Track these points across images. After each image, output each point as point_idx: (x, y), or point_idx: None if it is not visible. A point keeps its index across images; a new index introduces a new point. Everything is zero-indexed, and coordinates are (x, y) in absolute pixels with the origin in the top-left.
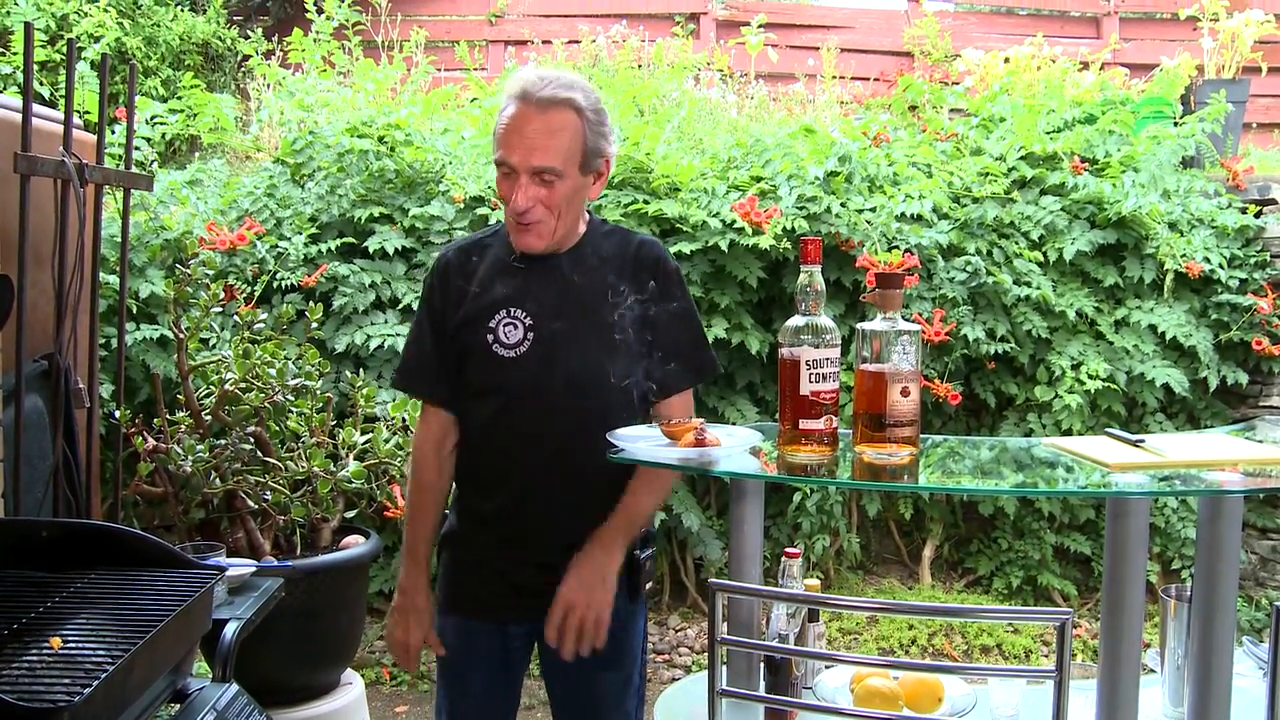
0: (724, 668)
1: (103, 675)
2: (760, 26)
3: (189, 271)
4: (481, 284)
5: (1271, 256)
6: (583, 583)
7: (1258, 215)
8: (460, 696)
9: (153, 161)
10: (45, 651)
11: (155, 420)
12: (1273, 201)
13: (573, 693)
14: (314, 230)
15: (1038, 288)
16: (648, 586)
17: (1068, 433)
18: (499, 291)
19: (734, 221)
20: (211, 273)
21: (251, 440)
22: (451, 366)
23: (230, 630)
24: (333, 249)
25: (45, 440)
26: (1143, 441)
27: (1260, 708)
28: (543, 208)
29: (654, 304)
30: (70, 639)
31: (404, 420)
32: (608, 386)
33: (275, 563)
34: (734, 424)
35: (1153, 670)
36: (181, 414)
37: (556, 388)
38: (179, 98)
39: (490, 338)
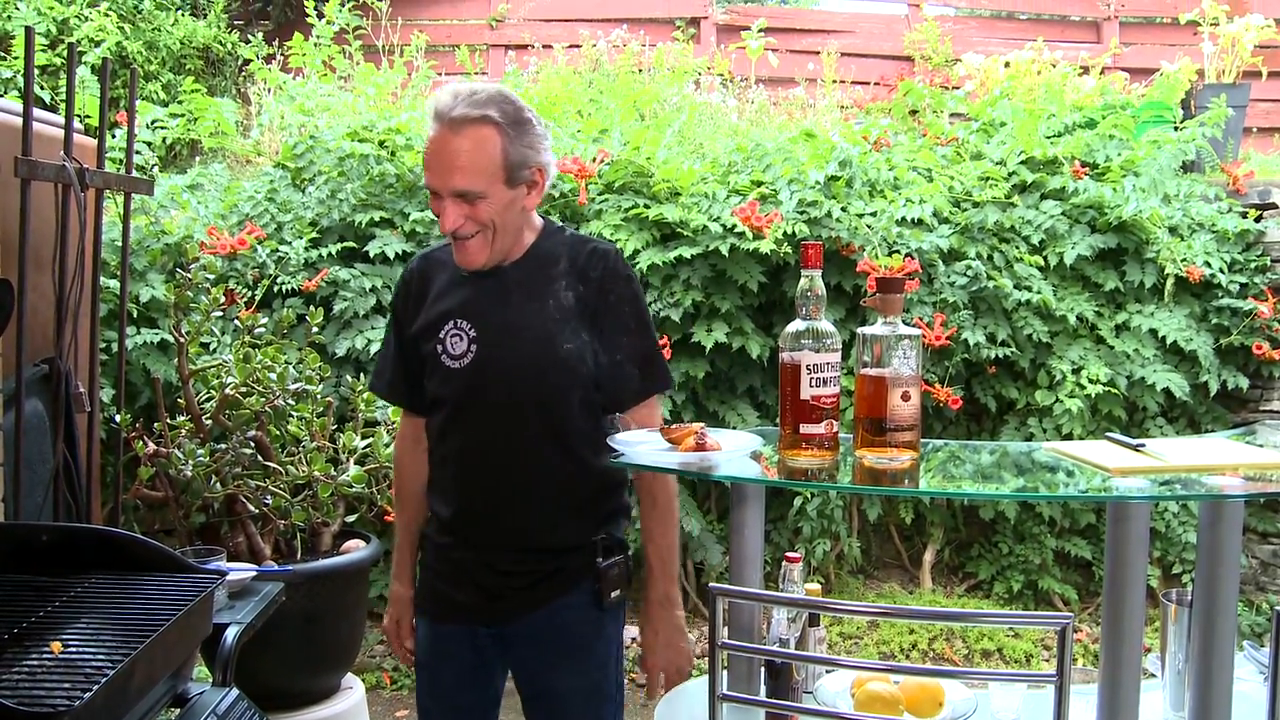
0: (725, 672)
1: (103, 680)
2: (760, 31)
3: (189, 276)
4: (436, 295)
5: (1272, 261)
6: (667, 644)
7: (1258, 220)
8: (433, 698)
9: (153, 166)
10: (45, 656)
11: (156, 424)
12: (1273, 206)
13: (539, 697)
14: (314, 234)
15: (1038, 292)
16: (614, 594)
17: (1068, 437)
18: (448, 303)
19: (735, 226)
20: (212, 277)
21: (252, 444)
22: (414, 371)
23: (231, 635)
24: (333, 253)
25: (46, 444)
26: (1143, 446)
27: (1261, 712)
28: (472, 224)
29: (603, 316)
30: (70, 643)
31: None
32: (552, 396)
33: (276, 567)
34: (734, 428)
35: (1153, 675)
36: (182, 418)
37: (499, 398)
38: (179, 102)
39: (439, 348)
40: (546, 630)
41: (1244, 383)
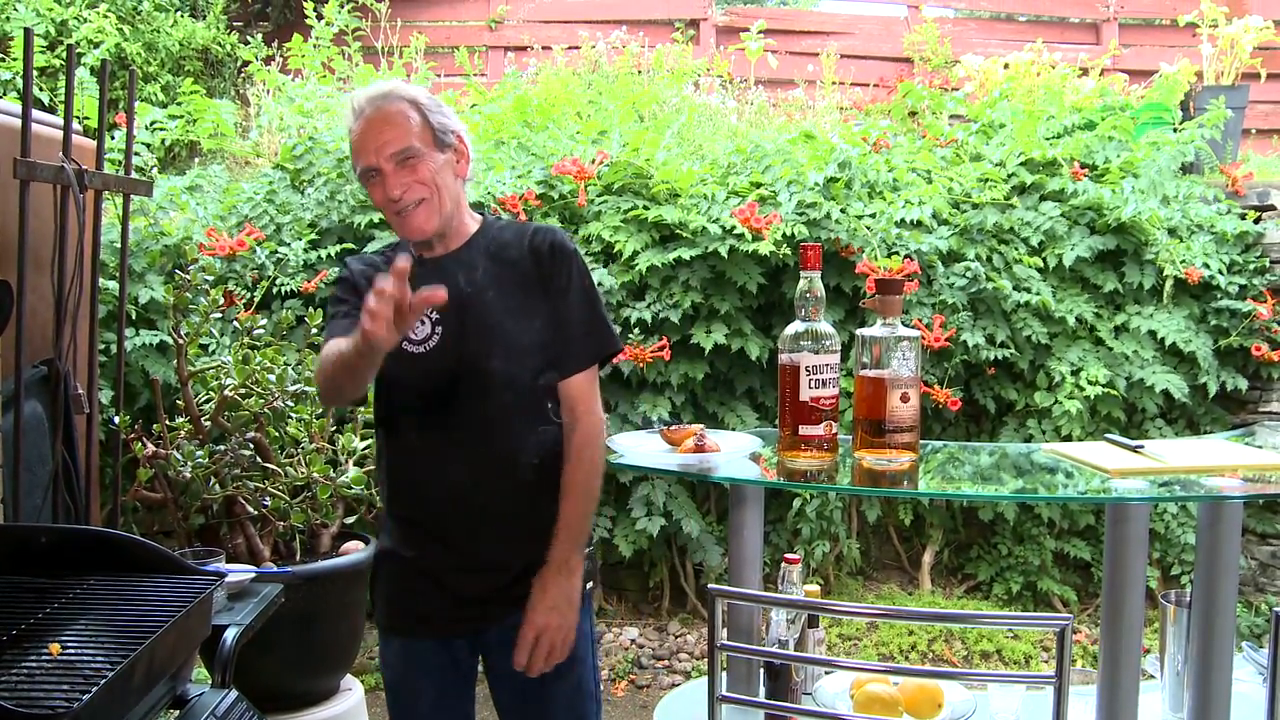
0: (724, 673)
1: (102, 681)
2: (760, 32)
3: (188, 277)
4: None
5: (1271, 262)
6: (552, 606)
7: (1257, 221)
8: (409, 718)
9: (152, 167)
10: (44, 657)
11: (155, 426)
12: (1272, 207)
13: (521, 702)
14: (314, 236)
15: (1037, 293)
16: (589, 585)
17: (1067, 438)
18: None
19: (734, 227)
20: (211, 278)
21: (251, 446)
22: None
23: (230, 636)
24: (332, 255)
25: (45, 446)
26: (1142, 447)
27: (1260, 713)
28: (418, 186)
29: (554, 288)
30: (69, 645)
31: None
32: (518, 375)
33: (275, 569)
34: (733, 430)
35: (1152, 676)
36: (181, 420)
37: (467, 379)
38: (179, 103)
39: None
40: None
41: (1243, 384)
